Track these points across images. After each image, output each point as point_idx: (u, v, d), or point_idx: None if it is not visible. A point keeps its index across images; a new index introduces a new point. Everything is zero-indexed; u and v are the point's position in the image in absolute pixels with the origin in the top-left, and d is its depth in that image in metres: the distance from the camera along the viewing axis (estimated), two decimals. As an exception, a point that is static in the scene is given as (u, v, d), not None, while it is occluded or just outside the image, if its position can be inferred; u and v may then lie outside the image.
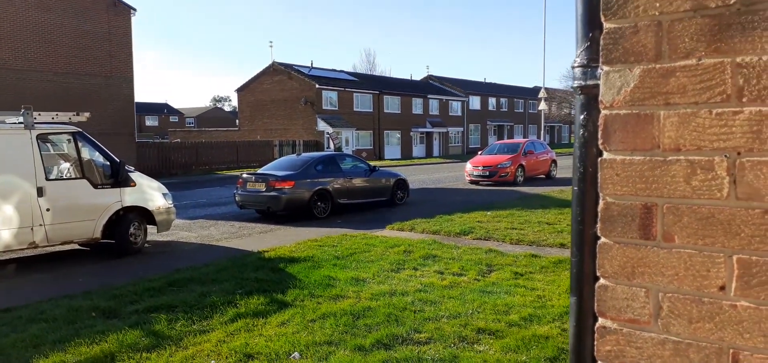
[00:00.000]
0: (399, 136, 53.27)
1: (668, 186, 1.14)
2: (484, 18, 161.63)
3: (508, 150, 23.32)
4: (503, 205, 15.10)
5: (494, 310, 6.08)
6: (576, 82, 1.27)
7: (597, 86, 1.23)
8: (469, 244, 10.03)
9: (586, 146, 1.26)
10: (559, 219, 12.30)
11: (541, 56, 63.45)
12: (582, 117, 1.27)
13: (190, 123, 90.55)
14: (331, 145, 43.32)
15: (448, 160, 46.92)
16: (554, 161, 25.01)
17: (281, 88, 48.30)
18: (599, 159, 1.23)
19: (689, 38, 1.10)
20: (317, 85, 46.19)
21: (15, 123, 9.42)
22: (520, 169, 22.16)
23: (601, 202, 1.23)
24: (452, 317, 5.87)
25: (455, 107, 60.55)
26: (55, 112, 10.20)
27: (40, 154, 9.30)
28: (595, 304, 1.26)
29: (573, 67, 1.29)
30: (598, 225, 1.23)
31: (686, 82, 1.11)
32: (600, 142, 1.22)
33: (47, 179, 9.32)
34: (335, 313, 6.06)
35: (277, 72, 48.96)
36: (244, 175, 14.94)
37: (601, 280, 1.24)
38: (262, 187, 14.06)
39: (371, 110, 50.54)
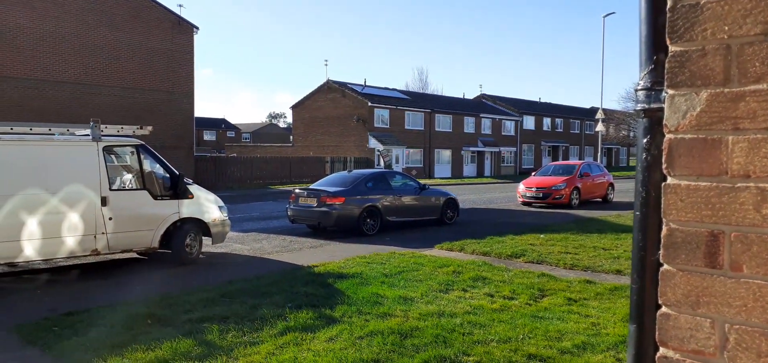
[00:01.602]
0: (450, 154, 53.06)
1: (736, 213, 1.10)
2: (539, 37, 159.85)
3: (563, 171, 22.83)
4: (557, 228, 14.78)
5: (546, 336, 5.94)
6: (639, 105, 1.25)
7: (661, 110, 1.20)
8: (520, 267, 9.86)
9: (648, 170, 1.23)
10: (616, 244, 11.93)
11: (598, 76, 62.17)
12: (645, 141, 1.24)
13: (246, 138, 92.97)
14: (382, 163, 43.57)
15: (500, 181, 46.36)
16: (611, 184, 24.31)
17: (335, 106, 49.05)
18: (663, 184, 1.19)
19: (760, 63, 1.06)
20: (369, 103, 46.66)
21: (83, 135, 9.91)
22: (575, 192, 21.64)
23: (664, 228, 1.19)
24: (502, 341, 5.76)
25: (508, 127, 59.87)
26: (121, 126, 10.66)
27: (105, 165, 9.73)
28: (657, 333, 1.22)
29: (636, 90, 1.26)
30: (661, 251, 1.20)
31: (756, 107, 1.07)
32: (664, 166, 1.19)
33: (111, 189, 9.73)
34: (383, 331, 6.05)
35: (331, 90, 49.79)
36: (297, 191, 15.19)
37: (664, 309, 1.20)
38: (313, 202, 14.26)
39: (422, 128, 50.60)
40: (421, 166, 49.68)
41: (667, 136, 1.18)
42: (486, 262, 10.16)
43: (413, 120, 50.16)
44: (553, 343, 5.72)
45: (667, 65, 1.17)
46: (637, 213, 1.27)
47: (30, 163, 9.05)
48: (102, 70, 29.22)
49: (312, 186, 15.66)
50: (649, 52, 1.23)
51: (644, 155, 1.25)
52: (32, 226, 8.85)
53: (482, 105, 60.91)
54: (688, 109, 1.15)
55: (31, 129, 9.61)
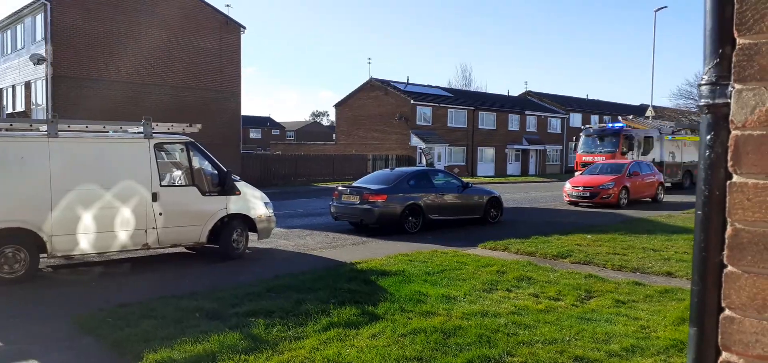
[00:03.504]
0: (493, 152, 52.48)
1: (809, 214, 1.05)
2: (587, 33, 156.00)
3: (612, 170, 22.26)
4: (605, 228, 14.43)
5: (593, 338, 5.81)
6: (703, 100, 1.20)
7: (726, 105, 1.15)
8: (566, 267, 9.67)
9: (712, 168, 1.19)
10: (666, 246, 11.57)
11: (648, 72, 60.29)
12: (708, 137, 1.19)
13: (290, 136, 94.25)
14: (424, 160, 43.46)
15: (545, 179, 45.60)
16: (662, 184, 23.60)
17: (377, 104, 49.18)
18: (728, 182, 1.15)
19: (837, 54, 1.00)
20: (412, 101, 46.60)
21: (136, 132, 10.23)
22: (623, 191, 21.09)
23: (729, 229, 1.14)
24: (548, 343, 5.67)
25: (554, 124, 58.77)
26: (171, 123, 10.94)
27: (156, 162, 10.02)
28: (719, 337, 1.17)
29: (699, 85, 1.21)
30: (725, 252, 1.15)
31: (833, 101, 1.01)
32: (729, 164, 1.14)
33: (161, 185, 10.01)
34: (426, 329, 6.04)
35: (374, 88, 49.94)
36: (340, 188, 15.31)
37: (727, 312, 1.16)
38: (356, 199, 14.34)
39: (465, 126, 50.21)
40: (464, 164, 49.30)
41: (734, 132, 1.13)
42: (531, 262, 10.01)
43: (456, 117, 49.81)
44: (600, 345, 5.59)
45: (734, 59, 1.13)
46: (699, 212, 1.22)
47: (86, 159, 9.40)
48: (153, 70, 30.13)
49: (355, 184, 15.74)
50: (714, 46, 1.18)
51: (707, 152, 1.20)
52: (87, 221, 9.20)
53: (527, 102, 59.98)
54: (757, 105, 1.10)
55: (86, 126, 9.98)
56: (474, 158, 50.67)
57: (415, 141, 45.76)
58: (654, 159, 27.84)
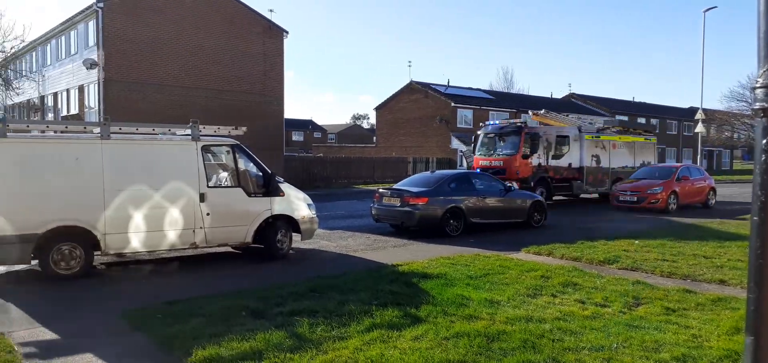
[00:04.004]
0: (536, 156, 51.64)
1: None
2: (634, 34, 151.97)
3: (660, 174, 21.63)
4: (653, 233, 14.04)
5: (642, 346, 5.67)
6: (757, 104, 1.18)
7: (784, 109, 1.13)
8: (613, 273, 9.46)
9: (769, 174, 1.16)
10: (718, 253, 11.17)
11: (697, 74, 58.16)
12: (764, 142, 1.17)
13: (331, 139, 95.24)
14: (464, 163, 43.17)
15: (588, 183, 44.54)
16: (713, 189, 22.79)
17: (417, 107, 49.12)
18: (786, 188, 1.12)
19: None
20: (452, 104, 46.37)
21: (184, 135, 10.52)
22: (672, 196, 20.46)
23: (787, 235, 1.12)
24: (594, 350, 5.56)
25: (599, 127, 57.43)
26: (217, 126, 11.21)
27: (204, 163, 10.28)
28: (778, 347, 1.15)
29: (754, 89, 1.19)
30: (784, 260, 1.13)
31: None
32: (788, 169, 1.12)
33: (208, 186, 10.27)
34: (469, 333, 6.01)
35: (414, 91, 49.91)
36: (381, 190, 15.35)
37: (786, 321, 1.13)
38: (396, 202, 14.36)
39: (507, 129, 49.61)
40: (506, 167, 48.69)
41: (792, 137, 1.11)
42: (576, 267, 9.83)
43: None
44: (650, 354, 5.45)
45: (792, 62, 1.10)
46: (755, 218, 1.20)
47: (136, 161, 9.73)
48: (199, 74, 30.89)
49: (395, 186, 15.76)
50: (770, 49, 1.16)
51: (764, 157, 1.17)
52: (138, 220, 9.51)
53: (571, 104, 58.83)
54: (817, 109, 1.07)
55: (137, 129, 10.32)
56: (516, 161, 49.98)
57: (455, 144, 45.51)
58: (571, 163, 23.27)
